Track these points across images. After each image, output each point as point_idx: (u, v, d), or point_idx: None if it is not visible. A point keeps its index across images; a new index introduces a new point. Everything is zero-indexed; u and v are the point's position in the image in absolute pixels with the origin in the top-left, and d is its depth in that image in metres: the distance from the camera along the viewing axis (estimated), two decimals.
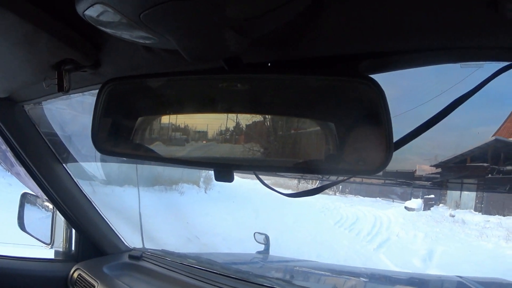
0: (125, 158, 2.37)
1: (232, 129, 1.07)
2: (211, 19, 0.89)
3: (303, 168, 1.11)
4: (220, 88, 1.13)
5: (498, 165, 10.82)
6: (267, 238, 3.54)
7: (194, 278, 2.24)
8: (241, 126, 1.06)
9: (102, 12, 0.90)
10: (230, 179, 1.14)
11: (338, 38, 1.04)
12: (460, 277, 2.81)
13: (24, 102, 2.06)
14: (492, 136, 11.17)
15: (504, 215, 12.31)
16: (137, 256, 2.56)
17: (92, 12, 0.91)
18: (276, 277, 2.54)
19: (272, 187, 1.61)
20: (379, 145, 0.97)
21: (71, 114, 2.64)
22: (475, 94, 1.08)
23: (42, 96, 1.88)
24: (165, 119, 1.21)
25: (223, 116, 1.09)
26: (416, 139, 1.09)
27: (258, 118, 1.07)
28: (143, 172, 11.60)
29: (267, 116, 1.08)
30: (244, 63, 1.08)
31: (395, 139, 0.98)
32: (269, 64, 1.12)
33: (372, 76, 1.02)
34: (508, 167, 10.72)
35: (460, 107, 1.09)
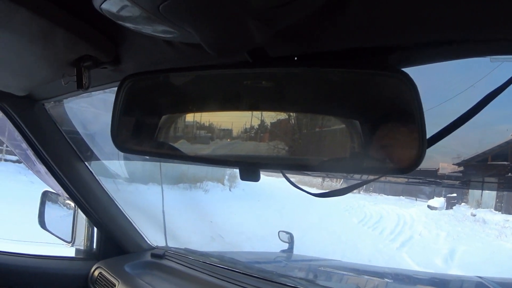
0: (146, 157, 2.37)
1: (257, 126, 1.03)
2: (234, 8, 0.86)
3: (331, 166, 1.09)
4: (244, 85, 1.10)
5: None
6: (291, 237, 3.54)
7: (217, 277, 2.23)
8: (266, 123, 1.03)
9: (119, 5, 0.89)
10: (256, 178, 1.11)
11: (367, 30, 1.01)
12: (481, 277, 2.78)
13: (44, 100, 2.07)
14: None
15: None
16: (160, 254, 2.55)
17: (109, 5, 0.90)
18: (299, 277, 2.52)
19: (300, 186, 1.58)
20: (412, 142, 0.94)
21: (93, 112, 2.64)
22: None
23: (63, 94, 1.89)
24: (188, 115, 1.19)
25: (247, 113, 1.06)
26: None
27: (283, 115, 1.04)
28: (168, 170, 11.74)
29: (292, 113, 1.05)
30: (270, 56, 1.05)
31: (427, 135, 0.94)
32: (295, 58, 1.08)
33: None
34: None
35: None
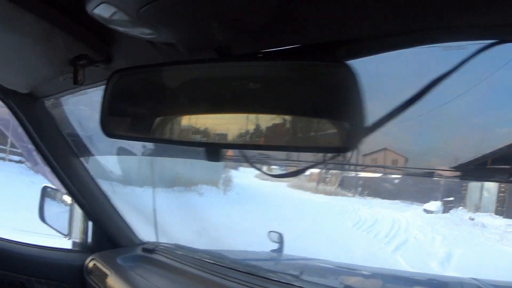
0: (138, 155, 2.49)
1: (225, 114, 1.20)
2: (202, 11, 1.02)
3: (281, 147, 1.21)
4: (212, 79, 1.26)
5: None
6: (281, 237, 3.57)
7: (205, 271, 2.30)
8: (232, 110, 1.19)
9: (108, 11, 1.03)
10: (218, 159, 1.29)
11: (317, 27, 1.13)
12: (475, 279, 2.72)
13: (45, 98, 2.20)
14: None
15: None
16: (150, 249, 2.65)
17: (100, 11, 1.04)
18: (285, 272, 2.60)
19: (259, 167, 1.70)
20: (353, 125, 1.07)
21: (88, 111, 2.75)
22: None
23: (61, 92, 2.02)
24: (167, 104, 1.32)
25: (214, 101, 1.23)
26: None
27: (244, 103, 1.19)
28: (163, 174, 11.76)
29: (251, 102, 1.19)
30: (237, 54, 1.20)
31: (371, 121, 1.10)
32: (258, 54, 1.22)
33: (353, 61, 1.09)
34: None
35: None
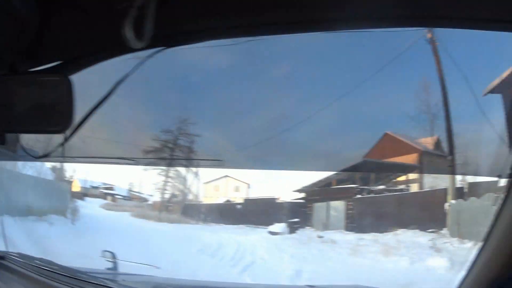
0: None
1: None
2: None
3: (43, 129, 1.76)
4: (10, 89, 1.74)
5: (368, 185, 11.97)
6: (114, 255, 3.84)
7: (45, 277, 2.63)
8: None
9: None
10: (3, 142, 1.84)
11: (53, 48, 1.62)
12: (312, 286, 2.84)
13: None
14: (363, 158, 11.95)
15: (380, 232, 12.03)
16: (1, 256, 3.00)
17: None
18: (112, 279, 3.01)
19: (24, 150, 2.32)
20: (68, 116, 1.56)
21: None
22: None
23: None
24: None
25: None
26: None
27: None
28: (19, 203, 11.54)
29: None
30: (19, 71, 1.74)
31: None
32: (29, 70, 1.77)
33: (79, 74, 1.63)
34: (379, 187, 11.84)
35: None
